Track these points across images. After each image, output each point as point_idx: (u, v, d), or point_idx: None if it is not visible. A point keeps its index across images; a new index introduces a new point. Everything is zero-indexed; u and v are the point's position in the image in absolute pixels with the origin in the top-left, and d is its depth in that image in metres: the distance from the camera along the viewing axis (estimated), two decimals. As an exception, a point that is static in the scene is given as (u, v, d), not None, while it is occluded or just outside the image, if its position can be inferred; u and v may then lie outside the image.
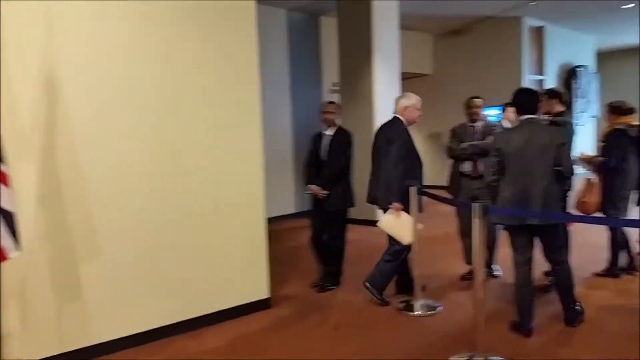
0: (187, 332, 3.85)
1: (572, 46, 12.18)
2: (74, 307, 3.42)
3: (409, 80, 11.06)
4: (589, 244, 5.48)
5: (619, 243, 4.75)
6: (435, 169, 9.30)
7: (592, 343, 3.44)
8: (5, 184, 2.72)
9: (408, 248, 4.24)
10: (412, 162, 4.26)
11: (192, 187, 3.89)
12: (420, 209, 4.23)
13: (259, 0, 4.32)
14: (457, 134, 4.93)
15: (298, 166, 8.19)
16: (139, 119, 3.63)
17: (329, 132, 4.68)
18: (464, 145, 4.77)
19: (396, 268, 4.37)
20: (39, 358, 3.28)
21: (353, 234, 7.11)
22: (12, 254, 2.73)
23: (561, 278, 3.65)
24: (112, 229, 3.54)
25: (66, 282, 3.38)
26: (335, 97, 8.55)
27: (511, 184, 3.56)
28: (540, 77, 11.20)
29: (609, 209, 4.46)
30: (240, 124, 4.13)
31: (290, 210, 8.51)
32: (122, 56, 3.54)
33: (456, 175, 4.89)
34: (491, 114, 7.73)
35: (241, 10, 4.11)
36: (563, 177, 3.57)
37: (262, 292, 4.31)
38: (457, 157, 4.87)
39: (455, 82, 11.06)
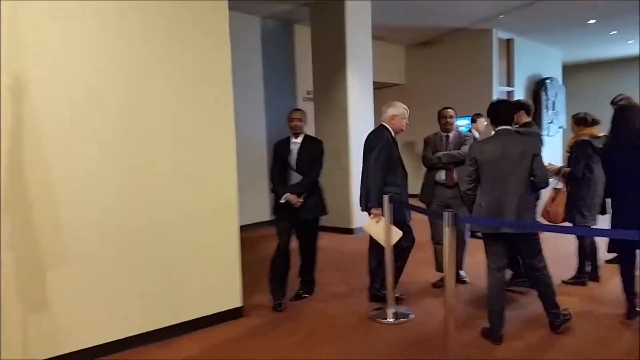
0: (158, 342, 3.80)
1: (540, 59, 12.50)
2: (40, 316, 3.34)
3: (381, 89, 11.18)
4: (556, 252, 5.61)
5: (588, 251, 4.88)
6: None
7: (562, 349, 3.52)
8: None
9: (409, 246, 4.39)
10: (394, 170, 4.33)
11: (163, 194, 3.86)
12: (409, 216, 4.37)
13: (233, 8, 4.32)
14: (431, 143, 5.01)
15: (271, 174, 8.13)
16: (108, 125, 3.58)
17: (298, 140, 4.59)
18: (440, 154, 4.86)
19: (403, 264, 4.46)
20: (3, 370, 3.20)
21: (326, 241, 7.14)
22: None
23: (541, 284, 3.70)
24: (80, 237, 3.48)
25: (31, 291, 3.31)
26: (309, 105, 8.61)
27: (487, 193, 3.63)
28: (509, 89, 11.45)
29: (576, 218, 4.58)
30: (213, 131, 4.11)
31: (264, 217, 8.46)
32: (91, 61, 3.50)
33: (430, 184, 4.97)
34: (461, 124, 7.87)
35: (214, 17, 4.10)
36: (537, 187, 3.66)
37: (234, 301, 4.28)
38: (432, 166, 4.95)
39: (426, 92, 11.23)
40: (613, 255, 5.24)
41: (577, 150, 4.58)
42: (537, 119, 11.97)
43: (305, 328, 4.06)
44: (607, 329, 3.83)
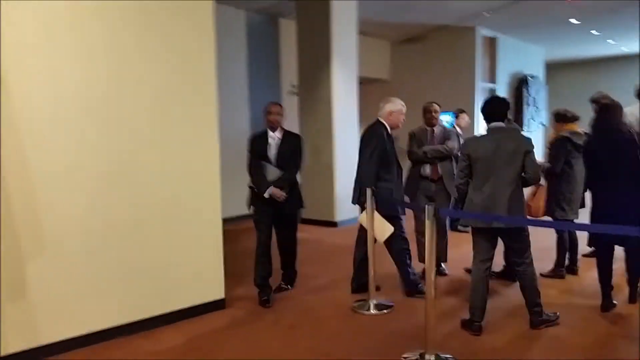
0: (141, 332, 3.80)
1: (523, 56, 12.63)
2: (19, 307, 3.32)
3: (366, 85, 11.21)
4: (535, 246, 5.68)
5: (567, 245, 4.97)
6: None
7: (540, 341, 3.59)
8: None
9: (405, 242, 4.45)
10: (388, 166, 4.38)
11: (146, 186, 3.85)
12: (403, 211, 4.45)
13: (218, 0, 4.31)
14: (417, 138, 5.07)
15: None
16: (90, 118, 3.56)
17: (277, 134, 4.51)
18: (425, 149, 4.92)
19: (409, 259, 4.49)
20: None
21: (310, 234, 7.18)
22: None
23: (526, 280, 3.76)
24: (61, 228, 3.46)
25: (10, 281, 3.28)
26: (294, 99, 8.62)
27: (478, 189, 3.69)
28: (491, 85, 11.56)
29: (557, 212, 4.67)
30: (196, 124, 4.11)
31: (247, 211, 8.38)
32: (73, 55, 3.47)
33: (415, 177, 5.03)
34: (444, 119, 7.94)
35: (199, 9, 4.09)
36: (529, 184, 3.73)
37: (217, 292, 4.29)
38: (418, 160, 5.01)
39: (411, 88, 11.28)
40: (590, 249, 5.38)
41: (556, 147, 4.67)
42: (518, 115, 12.11)
43: (288, 319, 4.09)
44: (584, 320, 3.92)
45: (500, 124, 3.77)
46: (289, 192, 4.46)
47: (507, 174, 3.61)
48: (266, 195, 4.34)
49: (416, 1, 8.66)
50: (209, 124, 4.19)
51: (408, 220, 5.06)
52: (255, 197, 4.47)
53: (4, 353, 3.27)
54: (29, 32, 3.28)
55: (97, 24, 3.56)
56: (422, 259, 5.01)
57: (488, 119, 3.82)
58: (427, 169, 4.95)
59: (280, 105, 4.60)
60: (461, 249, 5.73)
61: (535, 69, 13.21)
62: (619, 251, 4.09)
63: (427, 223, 3.24)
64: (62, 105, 3.44)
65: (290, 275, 4.85)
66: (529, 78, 12.45)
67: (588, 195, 4.38)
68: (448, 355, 3.28)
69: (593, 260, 4.89)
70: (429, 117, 5.04)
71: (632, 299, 4.19)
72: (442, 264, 5.15)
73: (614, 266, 4.10)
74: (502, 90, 11.74)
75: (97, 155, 3.61)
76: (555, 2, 8.79)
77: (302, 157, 4.62)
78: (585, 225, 3.94)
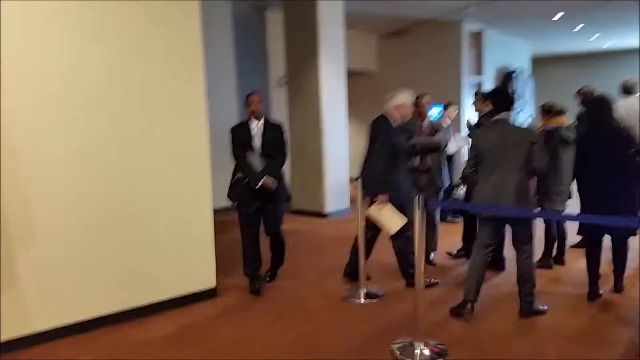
0: (132, 321, 3.81)
1: (509, 51, 12.73)
2: (10, 294, 3.31)
3: (354, 77, 11.23)
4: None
5: (555, 235, 5.06)
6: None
7: (528, 328, 3.66)
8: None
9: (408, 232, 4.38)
10: (396, 159, 4.39)
11: (137, 177, 3.84)
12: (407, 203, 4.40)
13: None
14: (406, 130, 5.09)
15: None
16: (81, 110, 3.55)
17: (259, 123, 4.40)
18: (415, 141, 4.95)
19: (411, 251, 4.38)
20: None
21: (299, 225, 7.21)
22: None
23: (523, 269, 3.81)
24: (51, 217, 3.46)
25: (1, 270, 3.27)
26: (282, 91, 8.62)
27: (485, 179, 3.76)
28: (478, 79, 11.65)
29: (545, 203, 4.74)
30: (185, 115, 4.10)
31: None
32: (60, 47, 3.45)
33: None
34: (432, 112, 7.98)
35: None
36: (534, 174, 3.77)
37: (208, 281, 4.30)
38: (408, 152, 5.03)
39: (398, 80, 11.25)
40: (577, 240, 5.48)
41: (542, 140, 4.73)
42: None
43: (278, 308, 4.12)
44: (572, 309, 3.99)
45: (507, 114, 3.82)
46: (279, 181, 4.44)
47: (513, 164, 3.67)
48: (258, 185, 4.28)
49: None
50: (198, 116, 4.19)
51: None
52: (241, 188, 4.38)
53: (-4, 340, 3.27)
54: (18, 26, 3.26)
55: (86, 16, 3.53)
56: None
57: (497, 108, 3.87)
58: (415, 161, 4.99)
59: (260, 93, 4.50)
60: (451, 239, 5.80)
61: (522, 63, 13.33)
62: (606, 241, 4.17)
63: (417, 214, 3.28)
64: (53, 94, 3.42)
65: (276, 268, 4.82)
66: (516, 72, 12.56)
67: (574, 187, 4.47)
68: (437, 342, 3.33)
69: (580, 251, 5.00)
70: (419, 110, 5.07)
71: (617, 289, 4.27)
72: (432, 254, 5.20)
73: (602, 256, 4.18)
74: (489, 84, 11.83)
75: (87, 147, 3.59)
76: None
77: (285, 145, 4.57)
78: (581, 216, 4.02)
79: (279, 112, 8.64)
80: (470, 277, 3.83)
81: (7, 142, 3.23)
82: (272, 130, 4.45)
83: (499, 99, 3.91)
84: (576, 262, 5.01)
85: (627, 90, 5.65)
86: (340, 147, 8.21)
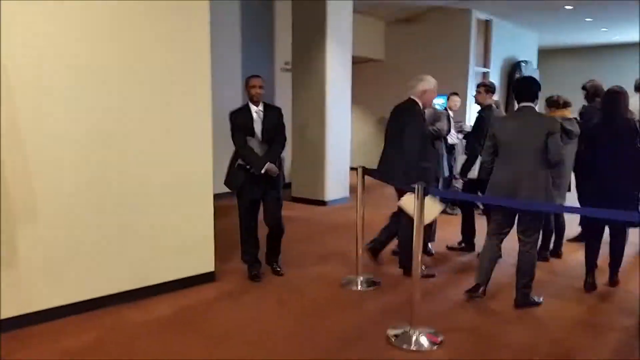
0: (130, 302, 3.85)
1: (517, 41, 12.62)
2: (11, 273, 3.35)
3: (360, 64, 11.18)
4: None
5: (556, 228, 5.07)
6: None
7: (523, 318, 3.69)
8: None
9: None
10: (426, 145, 4.40)
11: (139, 160, 3.86)
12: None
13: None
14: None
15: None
16: (80, 87, 3.54)
17: (259, 108, 4.33)
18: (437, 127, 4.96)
19: (411, 237, 4.48)
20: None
21: (299, 212, 7.23)
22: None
23: (524, 260, 3.82)
24: (53, 198, 3.47)
25: (3, 247, 3.30)
26: (287, 76, 8.59)
27: (502, 169, 3.76)
28: (484, 69, 11.58)
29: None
30: (189, 99, 4.10)
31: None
32: (66, 28, 3.44)
33: None
34: (436, 101, 7.96)
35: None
36: (551, 165, 3.70)
37: (207, 265, 4.34)
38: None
39: (405, 68, 11.25)
40: (575, 233, 5.49)
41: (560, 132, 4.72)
42: (510, 100, 12.15)
43: (277, 294, 4.15)
44: (567, 299, 4.02)
45: (530, 104, 3.78)
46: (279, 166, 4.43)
47: (530, 154, 3.65)
48: (262, 171, 4.24)
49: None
50: (203, 100, 4.18)
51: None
52: (242, 176, 4.33)
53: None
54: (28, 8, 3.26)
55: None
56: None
57: (518, 99, 3.83)
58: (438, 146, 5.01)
59: (261, 77, 4.38)
60: (450, 230, 5.82)
61: (529, 54, 13.22)
62: (605, 234, 4.20)
63: (416, 203, 3.29)
64: (59, 79, 3.43)
65: (276, 256, 4.71)
66: (522, 64, 12.47)
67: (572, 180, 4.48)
68: (432, 330, 3.36)
69: (576, 245, 5.01)
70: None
71: (612, 282, 4.30)
72: (430, 244, 5.23)
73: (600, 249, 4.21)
74: (495, 75, 11.76)
75: (91, 126, 3.60)
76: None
77: (284, 130, 4.51)
78: (587, 210, 4.04)
79: (284, 98, 8.62)
80: (482, 262, 3.91)
81: (8, 117, 3.24)
82: (273, 115, 4.39)
83: (519, 89, 3.87)
84: (573, 255, 5.03)
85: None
86: (342, 135, 8.20)
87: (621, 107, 4.04)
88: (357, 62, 9.34)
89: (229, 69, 8.57)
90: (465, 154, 5.48)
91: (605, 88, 4.42)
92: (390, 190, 4.84)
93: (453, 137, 6.45)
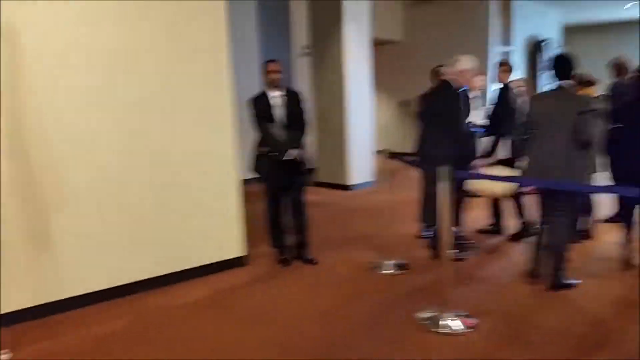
0: (161, 287, 3.92)
1: (539, 20, 12.38)
2: (46, 260, 3.44)
3: (379, 46, 11.07)
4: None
5: (584, 209, 4.99)
6: (406, 136, 9.39)
7: (555, 301, 3.63)
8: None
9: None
10: (464, 126, 4.40)
11: (166, 147, 3.90)
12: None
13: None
14: (427, 100, 5.02)
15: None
16: (105, 76, 3.59)
17: (279, 93, 4.27)
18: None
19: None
20: (14, 309, 3.31)
21: (324, 197, 7.24)
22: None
23: (550, 237, 3.78)
24: (81, 185, 3.55)
25: (37, 235, 3.39)
26: (305, 61, 8.53)
27: (538, 146, 3.72)
28: (507, 48, 11.38)
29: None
30: (210, 85, 4.11)
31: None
32: (88, 21, 3.48)
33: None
34: (480, 80, 7.82)
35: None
36: (583, 144, 3.60)
37: (237, 250, 4.38)
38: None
39: (424, 49, 11.12)
40: (612, 214, 5.41)
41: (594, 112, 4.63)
42: (533, 79, 11.96)
43: (307, 278, 4.18)
44: (601, 280, 3.96)
45: (567, 82, 3.71)
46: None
47: (565, 132, 3.59)
48: (285, 157, 4.22)
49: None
50: (224, 88, 4.19)
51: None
52: (267, 163, 4.30)
53: (34, 303, 3.42)
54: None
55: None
56: (422, 219, 5.00)
57: (558, 76, 3.75)
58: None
59: (279, 62, 4.32)
60: (475, 214, 5.77)
61: (552, 32, 12.96)
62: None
63: (442, 185, 3.26)
64: (82, 71, 3.48)
65: (304, 247, 4.65)
66: (545, 42, 12.24)
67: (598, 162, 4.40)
68: (464, 313, 3.35)
69: (608, 226, 4.94)
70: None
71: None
72: (454, 228, 5.15)
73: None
74: (518, 54, 11.56)
75: (118, 116, 3.65)
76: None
77: (306, 114, 4.44)
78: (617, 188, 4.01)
79: (302, 83, 8.58)
80: (534, 246, 3.94)
81: (33, 109, 3.30)
82: (293, 99, 4.35)
83: (555, 67, 3.78)
84: (606, 236, 4.96)
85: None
86: (364, 118, 8.13)
87: None
88: (375, 44, 9.23)
89: (247, 55, 8.55)
90: (490, 133, 5.37)
91: (632, 65, 4.32)
92: (414, 173, 4.80)
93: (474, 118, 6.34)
